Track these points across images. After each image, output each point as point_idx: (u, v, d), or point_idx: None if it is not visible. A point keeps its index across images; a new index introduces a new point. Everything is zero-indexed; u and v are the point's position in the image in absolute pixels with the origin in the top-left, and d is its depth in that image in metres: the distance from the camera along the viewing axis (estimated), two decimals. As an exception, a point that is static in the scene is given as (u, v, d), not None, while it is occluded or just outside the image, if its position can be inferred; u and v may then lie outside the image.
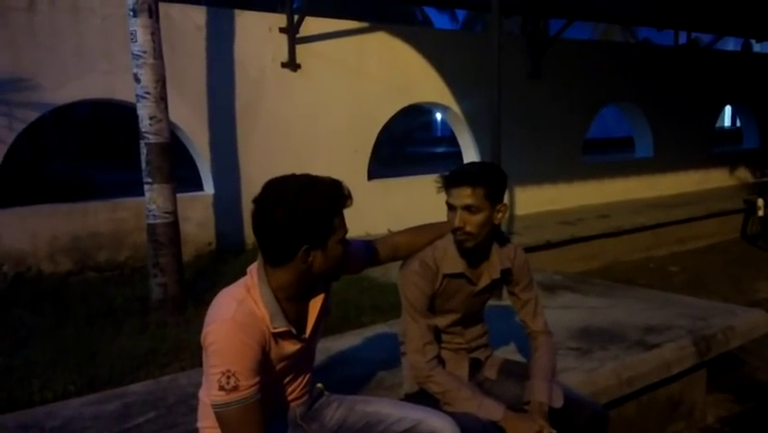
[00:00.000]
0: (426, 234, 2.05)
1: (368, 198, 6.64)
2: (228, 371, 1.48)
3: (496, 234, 2.04)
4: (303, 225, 1.53)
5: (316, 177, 1.61)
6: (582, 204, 8.64)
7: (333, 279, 1.72)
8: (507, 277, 2.11)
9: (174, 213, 4.14)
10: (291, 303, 1.64)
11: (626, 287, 4.37)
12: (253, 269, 1.63)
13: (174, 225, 4.15)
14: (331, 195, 1.58)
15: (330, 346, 3.03)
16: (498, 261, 2.05)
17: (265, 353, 1.56)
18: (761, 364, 4.03)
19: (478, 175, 1.92)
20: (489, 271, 2.05)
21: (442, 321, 2.07)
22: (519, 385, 2.06)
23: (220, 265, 5.23)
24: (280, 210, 1.52)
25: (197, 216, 5.79)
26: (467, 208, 1.90)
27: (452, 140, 10.54)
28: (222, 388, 1.48)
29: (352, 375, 2.64)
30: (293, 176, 1.60)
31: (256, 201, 1.57)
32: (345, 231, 1.64)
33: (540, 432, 1.85)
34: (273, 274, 1.60)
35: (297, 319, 1.67)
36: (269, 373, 1.60)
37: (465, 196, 1.89)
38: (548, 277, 4.46)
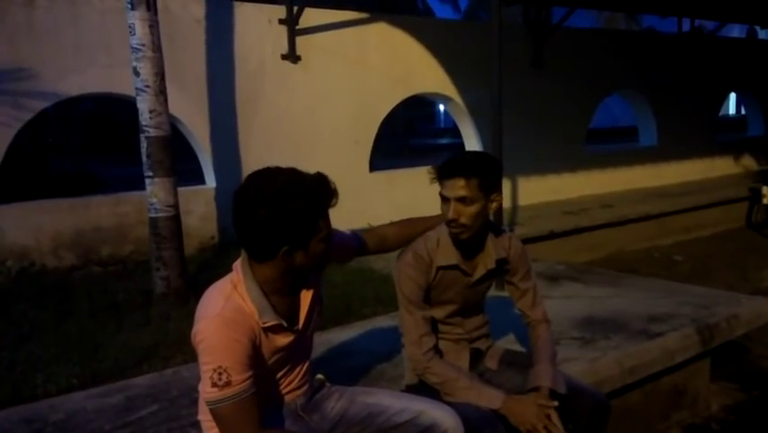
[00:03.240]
0: (416, 227, 2.05)
1: (369, 189, 6.63)
2: (219, 367, 1.47)
3: (491, 225, 2.03)
4: (283, 226, 1.49)
5: (300, 174, 1.54)
6: (586, 194, 8.60)
7: (316, 270, 1.69)
8: (503, 267, 2.09)
9: (175, 206, 4.14)
10: (280, 296, 1.63)
11: (630, 276, 4.36)
12: (238, 264, 1.62)
13: (176, 219, 4.15)
14: (313, 195, 1.52)
15: (332, 338, 3.03)
16: (493, 251, 2.03)
17: (256, 347, 1.56)
18: (765, 353, 4.01)
19: (471, 166, 1.89)
20: (485, 262, 2.04)
21: (439, 312, 2.07)
22: (521, 375, 2.06)
23: (223, 258, 5.22)
24: (261, 210, 1.48)
25: (200, 209, 5.79)
26: (461, 200, 1.88)
27: (454, 131, 10.50)
28: (214, 384, 1.47)
29: (354, 367, 2.64)
30: (277, 171, 1.54)
31: (236, 195, 1.53)
32: (329, 230, 1.59)
33: (542, 415, 1.84)
34: (257, 269, 1.59)
35: (289, 311, 1.66)
36: (262, 366, 1.60)
37: (459, 187, 1.87)
38: (551, 267, 4.45)
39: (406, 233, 2.04)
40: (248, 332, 1.53)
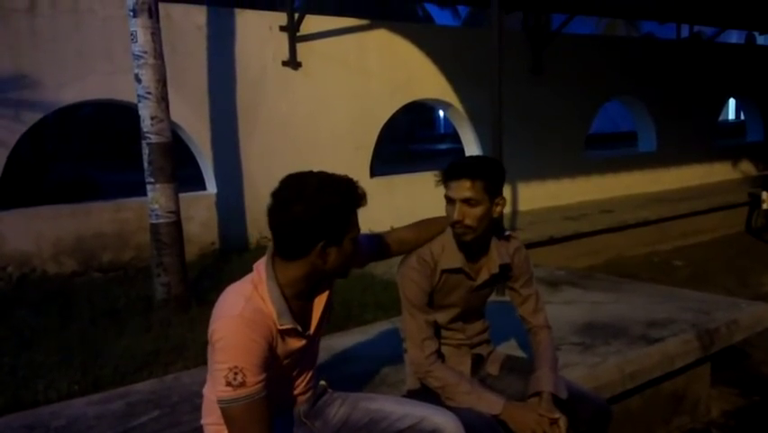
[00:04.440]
0: (432, 228, 2.05)
1: (370, 195, 6.54)
2: (236, 367, 1.48)
3: (495, 229, 2.04)
4: (322, 220, 1.54)
5: (334, 174, 1.62)
6: (586, 199, 8.62)
7: (342, 276, 1.73)
8: (506, 272, 2.10)
9: (177, 212, 4.15)
10: (297, 300, 1.65)
11: (630, 282, 4.36)
12: (260, 265, 1.64)
13: (177, 225, 4.15)
14: (349, 192, 1.60)
15: (333, 344, 3.03)
16: (497, 256, 2.04)
17: (272, 349, 1.57)
18: (765, 358, 4.02)
19: (477, 168, 1.92)
20: (488, 267, 2.05)
21: (442, 317, 2.07)
22: (522, 380, 2.06)
23: (223, 264, 5.24)
24: (299, 205, 1.53)
25: (200, 215, 5.80)
26: (466, 201, 1.90)
27: (454, 136, 10.54)
28: (229, 384, 1.48)
29: (356, 372, 2.65)
30: (311, 173, 1.61)
31: (275, 195, 1.58)
32: (358, 230, 1.66)
33: (542, 421, 1.84)
34: (283, 270, 1.61)
35: (302, 316, 1.68)
36: (273, 369, 1.61)
37: (464, 189, 1.89)
38: (551, 272, 4.46)
39: (424, 235, 2.04)
40: (266, 334, 1.54)
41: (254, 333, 1.51)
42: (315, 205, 1.53)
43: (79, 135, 17.74)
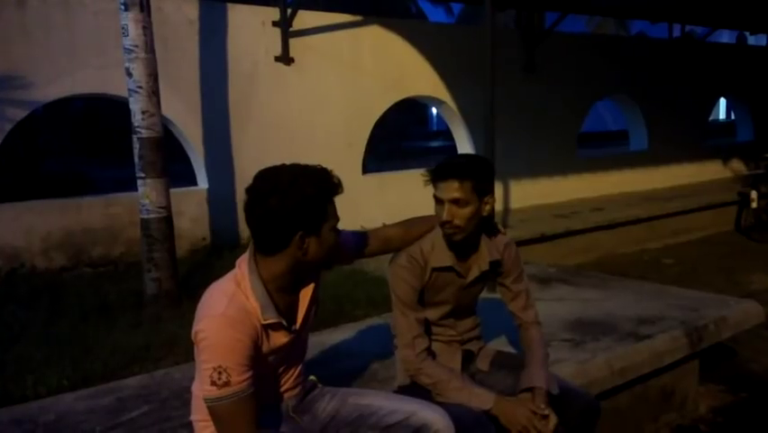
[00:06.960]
0: (419, 227, 2.06)
1: (363, 192, 6.64)
2: (219, 366, 1.48)
3: (486, 226, 2.05)
4: (298, 211, 1.54)
5: (307, 165, 1.62)
6: (577, 197, 8.65)
7: (325, 267, 1.74)
8: (497, 269, 2.11)
9: (167, 208, 4.14)
10: (282, 294, 1.65)
11: (620, 279, 4.38)
12: (243, 261, 1.64)
13: (168, 220, 4.14)
14: (323, 182, 1.60)
15: (324, 340, 3.03)
16: (486, 253, 2.05)
17: (257, 347, 1.57)
18: (753, 355, 4.05)
19: (465, 168, 1.91)
20: (479, 264, 2.05)
21: (433, 314, 2.08)
22: (512, 376, 2.07)
23: (214, 260, 5.23)
24: (275, 198, 1.53)
25: (191, 210, 5.79)
26: (455, 202, 1.90)
27: (447, 134, 10.55)
28: (214, 383, 1.49)
29: (346, 368, 2.65)
30: (284, 165, 1.61)
31: (249, 191, 1.58)
32: (337, 219, 1.66)
33: (533, 416, 1.86)
34: (265, 264, 1.61)
35: (288, 311, 1.68)
36: (260, 365, 1.61)
37: (453, 189, 1.89)
38: (542, 270, 4.47)
39: (410, 234, 2.04)
40: (250, 331, 1.54)
41: (238, 332, 1.51)
42: (291, 196, 1.53)
43: (70, 130, 17.62)
